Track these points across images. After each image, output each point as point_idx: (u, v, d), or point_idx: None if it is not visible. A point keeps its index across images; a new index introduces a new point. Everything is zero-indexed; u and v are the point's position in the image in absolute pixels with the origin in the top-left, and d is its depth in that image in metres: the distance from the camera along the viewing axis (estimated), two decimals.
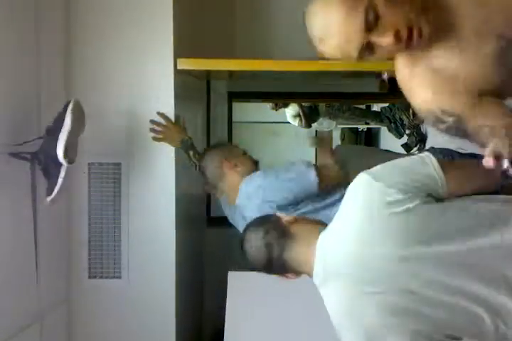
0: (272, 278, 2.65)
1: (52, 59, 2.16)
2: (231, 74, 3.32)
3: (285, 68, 2.37)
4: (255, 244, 1.33)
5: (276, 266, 1.32)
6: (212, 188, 2.28)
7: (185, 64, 2.30)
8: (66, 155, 1.61)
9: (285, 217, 1.37)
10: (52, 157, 1.62)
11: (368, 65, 2.29)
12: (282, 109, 4.54)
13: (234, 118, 3.91)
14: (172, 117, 2.30)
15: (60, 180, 1.62)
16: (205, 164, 2.21)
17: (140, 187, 2.25)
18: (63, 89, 2.21)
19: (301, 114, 4.45)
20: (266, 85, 3.63)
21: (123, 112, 2.26)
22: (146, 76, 2.29)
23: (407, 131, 3.83)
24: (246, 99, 4.00)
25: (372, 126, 4.87)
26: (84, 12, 2.26)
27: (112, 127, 2.21)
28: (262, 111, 4.71)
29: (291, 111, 4.51)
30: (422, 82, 1.11)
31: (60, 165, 1.62)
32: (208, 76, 3.34)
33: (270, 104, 4.48)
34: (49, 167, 1.64)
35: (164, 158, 2.32)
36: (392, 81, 2.35)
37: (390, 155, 2.52)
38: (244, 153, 2.28)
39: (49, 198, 1.71)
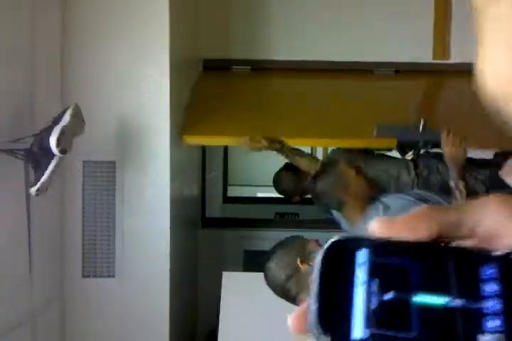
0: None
1: (48, 59, 2.16)
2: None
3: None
4: (275, 283, 1.55)
5: (289, 300, 1.54)
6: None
7: (189, 141, 2.46)
8: (59, 144, 1.60)
9: (303, 266, 1.52)
10: (45, 148, 1.61)
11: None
12: None
13: None
14: (167, 113, 2.31)
15: (48, 170, 1.61)
16: (323, 193, 2.12)
17: (134, 186, 2.25)
18: (58, 88, 2.21)
19: None
20: None
21: (118, 111, 2.26)
22: (141, 77, 2.29)
23: None
24: None
25: None
26: (79, 11, 2.26)
27: (107, 125, 2.21)
28: None
29: None
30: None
31: (52, 156, 1.62)
32: None
33: None
34: (40, 158, 1.63)
35: (159, 157, 2.32)
36: None
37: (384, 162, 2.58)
38: (358, 173, 2.11)
39: (33, 188, 1.69)
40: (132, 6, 2.29)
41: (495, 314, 0.26)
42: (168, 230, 2.34)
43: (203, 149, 3.28)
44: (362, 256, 0.29)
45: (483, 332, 0.26)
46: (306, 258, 1.53)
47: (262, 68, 2.98)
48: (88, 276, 2.24)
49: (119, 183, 2.20)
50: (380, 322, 0.27)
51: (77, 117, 1.72)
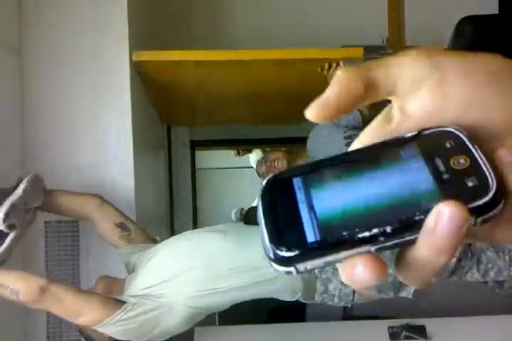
0: (242, 335, 2.58)
1: (7, 111, 2.12)
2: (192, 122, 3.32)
3: (242, 57, 2.34)
4: None
5: None
6: None
7: (141, 56, 2.26)
8: (6, 220, 1.53)
9: None
10: None
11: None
12: (246, 155, 4.55)
13: (197, 165, 3.90)
14: (131, 165, 2.25)
15: (5, 244, 1.54)
16: None
17: (99, 245, 2.17)
18: (18, 150, 2.16)
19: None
20: (228, 132, 3.65)
21: (80, 167, 2.21)
22: (102, 125, 2.25)
23: None
24: (209, 147, 4.00)
25: None
26: (37, 58, 2.24)
27: (69, 182, 2.15)
28: (225, 156, 4.72)
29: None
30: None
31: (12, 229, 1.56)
32: (169, 122, 3.32)
33: (234, 151, 4.49)
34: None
35: (124, 211, 2.26)
36: None
37: None
38: None
39: None
40: (92, 55, 2.27)
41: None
42: None
43: (171, 199, 3.24)
44: (297, 181, 0.34)
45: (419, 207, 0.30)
46: None
47: None
48: None
49: (82, 243, 2.13)
50: (327, 222, 0.31)
51: (34, 187, 1.66)
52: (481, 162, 0.31)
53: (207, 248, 1.66)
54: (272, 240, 0.31)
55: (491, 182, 0.30)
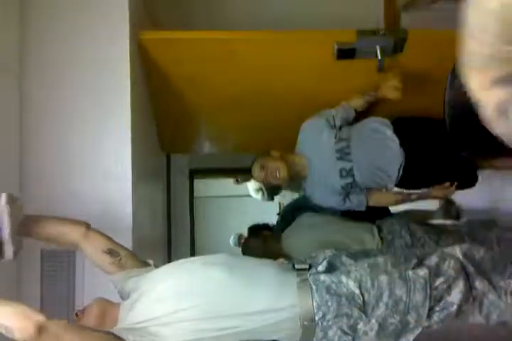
0: None
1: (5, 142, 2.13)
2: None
3: (245, 37, 2.41)
4: None
5: None
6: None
7: (147, 35, 2.34)
8: None
9: None
10: None
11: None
12: (244, 182, 4.57)
13: (196, 194, 3.91)
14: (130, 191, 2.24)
15: None
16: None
17: (96, 274, 2.15)
18: (16, 174, 2.17)
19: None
20: (227, 161, 3.66)
21: (78, 195, 2.21)
22: (101, 151, 2.25)
23: None
24: (207, 176, 4.01)
25: None
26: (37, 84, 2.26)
27: (66, 210, 2.15)
28: (223, 185, 4.73)
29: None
30: None
31: None
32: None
33: (232, 179, 4.50)
34: None
35: (121, 238, 2.24)
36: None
37: (348, 226, 2.61)
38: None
39: None
40: (92, 76, 2.28)
41: None
42: None
43: (169, 226, 3.23)
44: None
45: None
46: None
47: None
48: None
49: (79, 272, 2.12)
50: None
51: (13, 206, 1.69)
52: None
53: (207, 284, 1.63)
54: None
55: None
